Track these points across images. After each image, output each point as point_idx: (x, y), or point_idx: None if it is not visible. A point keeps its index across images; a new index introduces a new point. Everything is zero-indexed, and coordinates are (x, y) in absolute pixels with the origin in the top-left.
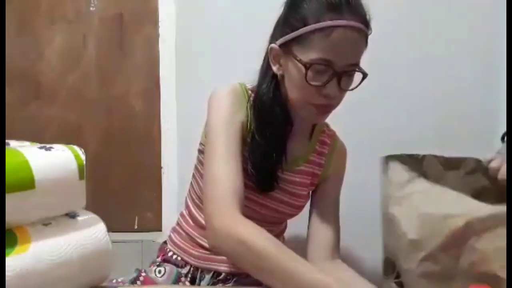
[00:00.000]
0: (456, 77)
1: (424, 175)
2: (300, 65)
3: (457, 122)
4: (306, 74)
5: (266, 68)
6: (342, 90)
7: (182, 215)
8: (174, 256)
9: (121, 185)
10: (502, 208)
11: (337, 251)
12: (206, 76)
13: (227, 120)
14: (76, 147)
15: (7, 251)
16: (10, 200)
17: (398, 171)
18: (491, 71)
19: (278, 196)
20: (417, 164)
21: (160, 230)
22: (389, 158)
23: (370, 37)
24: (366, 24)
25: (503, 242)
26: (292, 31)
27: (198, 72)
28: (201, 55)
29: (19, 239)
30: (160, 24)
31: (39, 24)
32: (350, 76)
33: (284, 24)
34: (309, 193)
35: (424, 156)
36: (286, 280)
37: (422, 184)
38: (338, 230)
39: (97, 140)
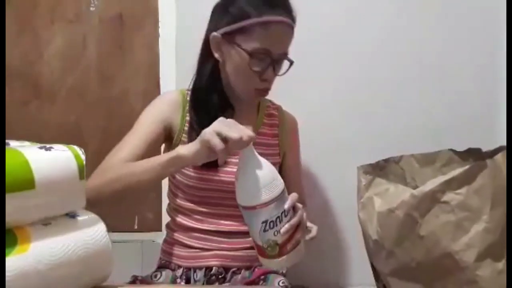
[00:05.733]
0: (456, 77)
1: (402, 175)
2: (244, 53)
3: (457, 122)
4: (249, 61)
5: (206, 55)
6: (276, 75)
7: (167, 225)
8: (167, 263)
9: None
10: (426, 186)
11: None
12: None
13: (148, 118)
14: (76, 147)
15: (7, 251)
16: (10, 200)
17: (360, 178)
18: (491, 71)
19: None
20: (389, 168)
21: (160, 230)
22: (358, 169)
23: (370, 38)
24: (294, 20)
25: (445, 215)
26: (235, 22)
27: None
28: None
29: (19, 239)
30: (160, 24)
31: (39, 24)
32: (281, 64)
33: (225, 15)
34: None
35: (401, 157)
36: (148, 168)
37: (381, 186)
38: (303, 190)
39: (97, 140)
